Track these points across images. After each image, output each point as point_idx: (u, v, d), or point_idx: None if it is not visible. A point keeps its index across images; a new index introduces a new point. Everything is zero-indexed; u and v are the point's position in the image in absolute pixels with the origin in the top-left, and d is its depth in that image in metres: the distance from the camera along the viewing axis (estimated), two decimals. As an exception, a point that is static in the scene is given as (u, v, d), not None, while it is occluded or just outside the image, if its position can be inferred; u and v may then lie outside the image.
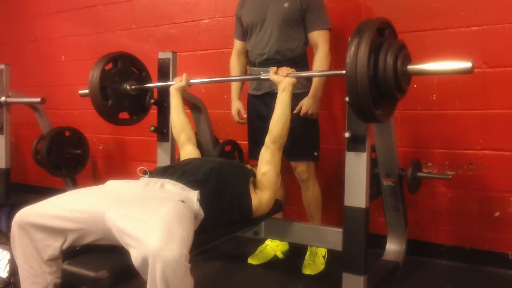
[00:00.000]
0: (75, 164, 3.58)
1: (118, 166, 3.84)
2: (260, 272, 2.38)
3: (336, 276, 1.95)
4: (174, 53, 2.44)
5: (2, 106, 3.20)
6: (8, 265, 2.03)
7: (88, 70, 4.05)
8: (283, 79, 1.88)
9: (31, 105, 3.37)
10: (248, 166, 2.07)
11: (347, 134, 1.80)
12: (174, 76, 2.43)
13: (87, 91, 2.25)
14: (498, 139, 2.32)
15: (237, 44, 2.51)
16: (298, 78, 2.00)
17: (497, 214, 2.36)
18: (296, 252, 2.53)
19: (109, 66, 2.27)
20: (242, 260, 2.50)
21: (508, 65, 2.27)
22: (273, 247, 2.56)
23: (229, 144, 2.87)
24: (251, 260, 2.48)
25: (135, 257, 1.25)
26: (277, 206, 2.00)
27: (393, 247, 2.38)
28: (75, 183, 3.66)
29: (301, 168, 2.38)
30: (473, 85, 2.35)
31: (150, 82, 2.45)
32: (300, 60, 2.31)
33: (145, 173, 1.76)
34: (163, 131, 2.43)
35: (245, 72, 2.51)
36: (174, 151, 2.42)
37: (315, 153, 2.38)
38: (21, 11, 4.32)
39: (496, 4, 2.27)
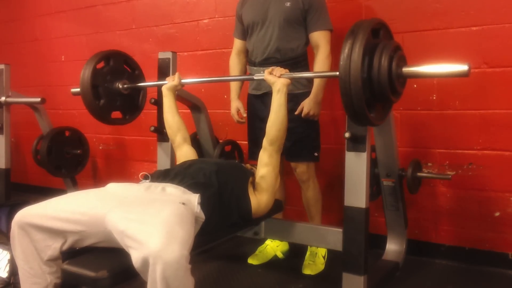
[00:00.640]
0: (75, 164, 3.58)
1: (118, 166, 3.84)
2: (260, 272, 2.38)
3: (336, 276, 1.95)
4: (174, 53, 2.43)
5: (2, 106, 3.20)
6: (8, 265, 2.03)
7: (88, 70, 4.03)
8: (277, 80, 1.85)
9: (31, 105, 3.37)
10: (248, 166, 2.08)
11: (347, 134, 1.80)
12: (174, 76, 2.42)
13: (79, 89, 2.22)
14: (498, 139, 2.32)
15: (237, 43, 2.51)
16: (297, 79, 2.00)
17: (497, 214, 2.36)
18: (296, 252, 2.53)
19: (101, 64, 2.24)
20: (242, 260, 2.50)
21: (508, 65, 2.27)
22: (273, 247, 2.56)
23: (229, 144, 2.87)
24: (251, 260, 2.48)
25: (136, 258, 1.25)
26: (277, 206, 1.99)
27: (393, 247, 2.38)
28: (75, 183, 3.65)
29: (301, 169, 2.38)
30: (473, 85, 2.35)
31: (143, 81, 2.44)
32: (300, 60, 2.31)
33: (146, 177, 1.76)
34: (163, 131, 2.42)
35: (245, 72, 2.51)
36: (174, 151, 2.42)
37: (316, 154, 2.38)
38: (21, 11, 4.32)
39: (496, 4, 2.26)
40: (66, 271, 1.45)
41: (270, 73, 1.89)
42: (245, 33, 2.44)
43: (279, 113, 1.83)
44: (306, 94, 2.28)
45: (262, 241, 2.61)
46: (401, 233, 2.37)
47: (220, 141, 2.86)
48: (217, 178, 1.74)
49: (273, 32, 2.28)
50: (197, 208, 1.55)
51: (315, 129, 2.38)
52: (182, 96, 2.57)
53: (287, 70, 1.89)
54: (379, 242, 2.42)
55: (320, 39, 2.25)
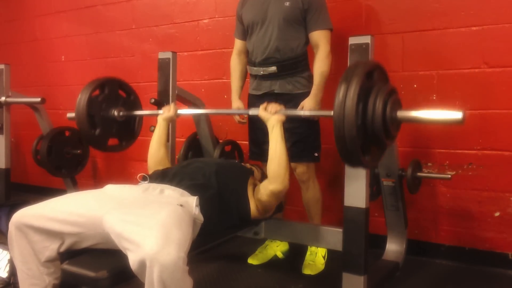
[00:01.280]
0: (75, 164, 3.58)
1: (118, 166, 3.84)
2: (260, 272, 2.38)
3: (336, 276, 1.95)
4: (174, 53, 2.43)
5: (2, 106, 3.19)
6: (8, 265, 2.02)
7: (88, 70, 4.08)
8: (271, 117, 1.82)
9: (31, 105, 3.36)
10: (247, 165, 2.07)
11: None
12: (174, 76, 2.43)
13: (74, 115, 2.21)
14: (498, 139, 2.32)
15: (238, 43, 2.51)
16: (292, 116, 1.98)
17: (497, 214, 2.36)
18: (296, 252, 2.53)
19: (97, 92, 2.22)
20: (242, 260, 2.50)
21: (508, 65, 2.27)
22: (273, 247, 2.56)
23: (229, 144, 2.87)
24: (251, 260, 2.48)
25: (133, 260, 1.25)
26: (277, 206, 1.99)
27: (393, 247, 2.38)
28: (75, 183, 3.65)
29: (301, 169, 2.37)
30: (473, 85, 2.35)
31: (139, 105, 2.44)
32: (300, 60, 2.31)
33: (144, 178, 1.76)
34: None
35: (245, 72, 2.51)
36: (174, 151, 2.42)
37: (316, 154, 2.38)
38: (21, 11, 4.32)
39: (495, 4, 2.27)
40: (66, 271, 1.45)
41: (265, 108, 1.86)
42: (245, 33, 2.44)
43: (277, 150, 1.78)
44: (305, 94, 2.28)
45: (262, 241, 2.61)
46: (401, 233, 2.37)
47: (220, 141, 2.86)
48: (217, 178, 1.74)
49: (273, 32, 2.27)
50: (196, 210, 1.55)
51: (315, 129, 2.38)
52: (182, 96, 2.58)
53: (282, 107, 1.87)
54: (379, 242, 2.42)
55: (320, 38, 2.25)
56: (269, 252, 2.54)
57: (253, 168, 1.98)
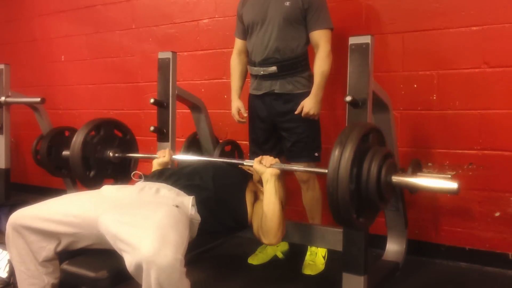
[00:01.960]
0: (75, 164, 3.57)
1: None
2: (260, 272, 2.38)
3: (336, 276, 1.95)
4: (174, 53, 2.43)
5: (2, 106, 3.20)
6: (8, 265, 2.03)
7: (88, 70, 4.08)
8: (265, 170, 1.78)
9: (31, 105, 3.37)
10: (246, 168, 2.06)
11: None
12: (174, 76, 2.43)
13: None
14: (498, 139, 2.32)
15: (238, 43, 2.51)
16: (288, 170, 1.97)
17: (497, 214, 2.36)
18: (296, 252, 2.52)
19: (92, 133, 2.24)
20: (242, 260, 2.49)
21: (508, 65, 2.26)
22: (273, 247, 2.56)
23: (229, 144, 2.87)
24: (251, 260, 2.48)
25: (129, 262, 1.25)
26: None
27: (393, 247, 2.38)
28: (75, 183, 3.65)
29: (301, 169, 2.37)
30: (473, 85, 2.35)
31: (135, 144, 2.46)
32: (300, 60, 2.31)
33: (140, 177, 1.76)
34: (163, 131, 2.43)
35: (246, 72, 2.50)
36: (174, 151, 2.42)
37: (316, 154, 2.37)
38: (20, 11, 4.31)
39: (496, 4, 2.26)
40: (65, 271, 1.45)
41: (260, 161, 1.82)
42: (245, 33, 2.43)
43: (269, 206, 1.73)
44: (305, 94, 2.27)
45: (262, 241, 2.61)
46: (401, 233, 2.37)
47: (220, 141, 2.86)
48: (214, 181, 1.73)
49: (273, 32, 2.27)
50: (192, 210, 1.55)
51: (315, 129, 2.38)
52: (182, 96, 2.58)
53: (277, 160, 1.84)
54: (379, 242, 2.42)
55: (320, 38, 2.24)
56: (269, 252, 2.54)
57: (251, 170, 1.97)
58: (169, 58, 2.41)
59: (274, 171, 1.78)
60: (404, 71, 2.52)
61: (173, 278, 1.21)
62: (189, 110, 2.77)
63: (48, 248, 1.48)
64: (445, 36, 2.39)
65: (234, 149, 2.90)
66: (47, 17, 4.12)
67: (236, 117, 2.50)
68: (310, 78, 2.31)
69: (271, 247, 2.56)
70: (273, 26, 2.27)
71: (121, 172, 2.39)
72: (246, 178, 1.90)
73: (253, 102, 2.47)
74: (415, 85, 2.48)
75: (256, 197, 1.88)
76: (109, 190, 1.67)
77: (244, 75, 2.52)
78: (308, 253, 2.45)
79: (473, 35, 2.33)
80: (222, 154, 2.70)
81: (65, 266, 1.46)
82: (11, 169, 3.30)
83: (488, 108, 2.32)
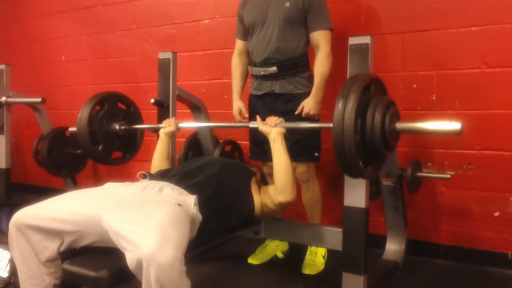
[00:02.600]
0: (75, 164, 3.58)
1: (118, 166, 3.83)
2: (260, 272, 2.38)
3: (336, 276, 1.95)
4: (174, 53, 2.44)
5: (2, 106, 3.20)
6: (9, 265, 2.03)
7: (88, 70, 4.08)
8: (271, 130, 1.83)
9: (32, 105, 3.37)
10: (253, 168, 2.08)
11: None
12: (174, 76, 2.43)
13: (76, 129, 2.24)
14: (497, 139, 2.32)
15: (239, 43, 2.51)
16: (293, 128, 1.99)
17: (496, 214, 2.36)
18: (296, 252, 2.53)
19: (96, 108, 2.25)
20: (242, 260, 2.50)
21: (508, 65, 2.27)
22: (273, 247, 2.57)
23: (229, 144, 2.87)
24: (251, 260, 2.48)
25: (130, 260, 1.26)
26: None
27: (393, 247, 2.38)
28: (75, 183, 3.66)
29: (301, 169, 2.38)
30: (472, 85, 2.35)
31: (139, 116, 2.47)
32: (300, 60, 2.31)
33: (145, 176, 1.76)
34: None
35: (246, 72, 2.51)
36: (174, 151, 2.42)
37: (316, 154, 2.38)
38: (21, 11, 4.32)
39: (495, 4, 2.27)
40: (66, 271, 1.45)
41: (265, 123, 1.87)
42: (246, 33, 2.44)
43: (281, 162, 1.80)
44: (306, 95, 2.28)
45: (262, 241, 2.61)
46: (401, 233, 2.37)
47: (220, 141, 2.86)
48: (218, 178, 1.74)
49: (273, 33, 2.28)
50: (194, 210, 1.55)
51: (315, 129, 2.38)
52: (182, 96, 2.58)
53: (282, 119, 1.88)
54: (379, 242, 2.42)
55: (320, 38, 2.25)
56: (269, 252, 2.54)
57: (255, 168, 1.98)
58: (169, 59, 2.41)
59: (280, 129, 1.84)
60: (404, 71, 2.52)
61: (173, 276, 1.22)
62: (189, 110, 2.77)
63: (51, 248, 1.48)
64: (445, 36, 2.39)
65: (234, 149, 2.91)
66: (48, 17, 4.13)
67: (238, 117, 2.50)
68: (310, 79, 2.32)
69: (271, 247, 2.56)
70: (273, 26, 2.27)
71: (128, 145, 2.44)
72: (250, 173, 1.92)
73: (253, 102, 2.47)
74: (415, 85, 2.49)
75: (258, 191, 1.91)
76: (111, 187, 1.67)
77: (245, 75, 2.52)
78: (308, 252, 2.45)
79: (473, 35, 2.33)
80: (222, 154, 2.71)
81: (66, 265, 1.47)
82: (11, 169, 3.30)
83: (488, 108, 2.33)
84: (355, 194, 1.84)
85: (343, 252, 1.90)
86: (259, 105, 2.42)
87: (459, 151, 2.42)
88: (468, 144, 2.39)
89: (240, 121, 2.51)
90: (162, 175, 1.78)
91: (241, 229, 1.91)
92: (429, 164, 2.50)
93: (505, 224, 2.34)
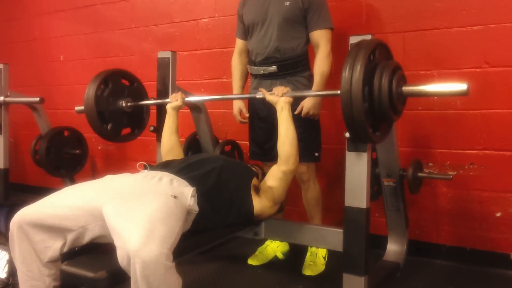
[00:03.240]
0: (74, 164, 3.57)
1: (117, 166, 3.83)
2: (260, 272, 2.37)
3: (336, 277, 1.94)
4: (173, 52, 2.43)
5: (0, 106, 3.19)
6: (7, 265, 2.01)
7: (87, 69, 4.07)
8: (279, 99, 1.89)
9: (30, 105, 3.36)
10: (255, 168, 2.07)
11: (347, 134, 1.78)
12: (174, 75, 2.42)
13: (82, 107, 2.25)
14: (499, 139, 2.31)
15: (239, 43, 2.50)
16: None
17: (498, 214, 2.35)
18: (297, 253, 2.52)
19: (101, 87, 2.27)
20: (242, 260, 2.49)
21: (510, 65, 2.26)
22: (273, 248, 2.55)
23: (229, 144, 2.86)
24: (251, 261, 2.47)
25: (120, 256, 1.28)
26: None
27: (394, 248, 2.37)
28: (74, 183, 3.64)
29: (302, 169, 2.36)
30: (474, 84, 2.31)
31: (144, 91, 2.48)
32: (300, 59, 2.30)
33: (145, 167, 1.76)
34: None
35: (246, 72, 2.50)
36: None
37: (316, 154, 2.37)
38: (19, 10, 4.31)
39: (497, 3, 2.26)
40: (65, 271, 1.44)
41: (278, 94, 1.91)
42: (246, 32, 2.43)
43: (288, 130, 1.85)
44: (306, 94, 2.27)
45: (262, 242, 2.60)
46: (402, 234, 2.36)
47: (220, 141, 2.85)
48: (218, 173, 1.74)
49: (273, 32, 2.27)
50: (190, 201, 1.54)
51: (315, 129, 2.37)
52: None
53: (288, 89, 1.92)
54: (380, 243, 2.41)
55: (320, 38, 2.24)
56: (269, 253, 2.53)
57: (257, 168, 1.98)
58: (168, 58, 2.40)
59: (287, 99, 1.89)
60: (405, 71, 2.47)
61: (158, 272, 1.22)
62: (188, 110, 2.76)
63: (53, 248, 1.46)
64: (446, 35, 2.38)
65: (234, 149, 2.90)
66: (46, 16, 4.11)
67: (238, 117, 2.49)
68: (310, 78, 2.31)
69: (271, 248, 2.55)
70: (273, 26, 2.26)
71: (136, 120, 2.48)
72: (252, 173, 1.92)
73: (253, 102, 2.46)
74: (416, 85, 2.47)
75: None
76: (111, 179, 1.67)
77: (245, 75, 2.52)
78: (308, 253, 2.44)
79: (474, 34, 2.32)
80: (221, 154, 2.69)
81: (64, 266, 1.45)
82: (10, 169, 3.29)
83: (490, 108, 2.32)
84: (356, 194, 1.83)
85: (343, 253, 1.88)
86: (259, 105, 2.41)
87: (461, 151, 2.41)
88: (470, 144, 2.38)
89: (240, 121, 2.50)
90: (163, 166, 1.77)
91: (240, 229, 1.89)
92: (430, 164, 2.49)
93: (507, 224, 2.33)
